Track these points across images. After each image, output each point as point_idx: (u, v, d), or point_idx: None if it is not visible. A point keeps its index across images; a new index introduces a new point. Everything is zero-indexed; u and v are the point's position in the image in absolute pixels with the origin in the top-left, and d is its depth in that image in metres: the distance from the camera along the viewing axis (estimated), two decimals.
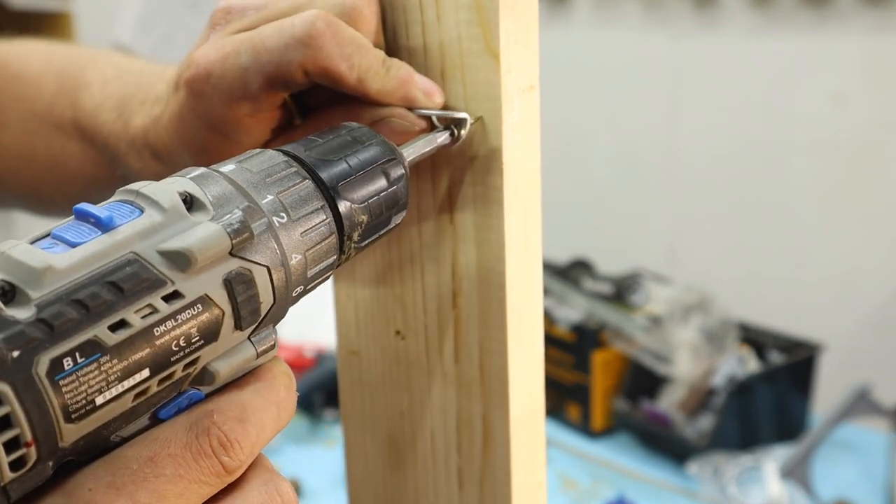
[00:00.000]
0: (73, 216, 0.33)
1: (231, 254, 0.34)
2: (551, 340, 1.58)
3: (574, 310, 1.62)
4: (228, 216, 0.34)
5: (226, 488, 0.35)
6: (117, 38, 2.60)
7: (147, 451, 0.33)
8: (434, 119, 0.45)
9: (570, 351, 1.59)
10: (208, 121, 0.46)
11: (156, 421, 0.34)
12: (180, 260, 0.33)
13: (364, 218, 0.40)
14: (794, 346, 1.58)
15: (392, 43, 0.47)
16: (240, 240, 0.34)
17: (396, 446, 0.53)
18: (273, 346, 0.37)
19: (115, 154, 0.55)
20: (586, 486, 1.43)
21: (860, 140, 2.15)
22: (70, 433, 0.30)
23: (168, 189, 0.34)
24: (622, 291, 1.63)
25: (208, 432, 0.34)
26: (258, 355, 0.36)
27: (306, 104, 0.48)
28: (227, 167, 0.37)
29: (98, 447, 0.32)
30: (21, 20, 2.46)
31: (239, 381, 0.36)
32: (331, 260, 0.39)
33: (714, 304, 1.59)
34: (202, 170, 0.36)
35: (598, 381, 1.58)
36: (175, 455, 0.33)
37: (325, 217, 0.38)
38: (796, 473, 1.34)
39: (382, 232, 0.42)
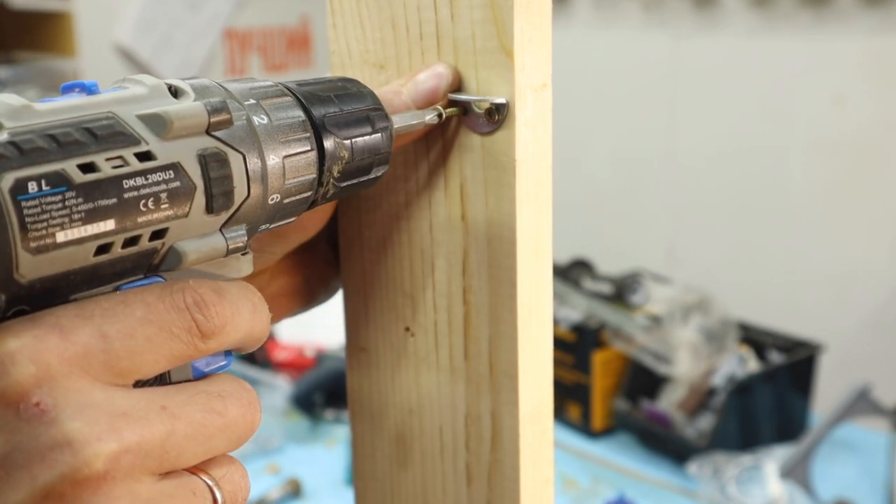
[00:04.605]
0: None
1: (208, 132, 0.34)
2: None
3: (574, 310, 1.62)
4: (208, 98, 0.35)
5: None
6: (117, 38, 2.60)
7: (119, 296, 0.32)
8: (473, 104, 0.45)
9: (570, 351, 1.59)
10: None
11: None
12: (156, 123, 0.33)
13: (345, 154, 0.40)
14: (794, 346, 1.58)
15: (405, 41, 0.47)
16: (217, 119, 0.34)
17: (404, 443, 0.53)
18: (243, 248, 0.37)
19: None
20: (586, 486, 1.43)
21: (860, 140, 2.16)
22: (27, 265, 0.30)
23: (154, 77, 0.35)
24: (622, 291, 1.63)
25: (183, 291, 0.33)
26: (228, 251, 0.36)
27: None
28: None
29: (57, 303, 0.32)
30: (21, 20, 2.46)
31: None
32: (309, 177, 0.39)
33: (714, 304, 1.59)
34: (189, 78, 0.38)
35: (598, 381, 1.58)
36: (148, 302, 0.32)
37: (306, 133, 0.39)
38: (796, 473, 1.34)
39: (363, 179, 0.42)
